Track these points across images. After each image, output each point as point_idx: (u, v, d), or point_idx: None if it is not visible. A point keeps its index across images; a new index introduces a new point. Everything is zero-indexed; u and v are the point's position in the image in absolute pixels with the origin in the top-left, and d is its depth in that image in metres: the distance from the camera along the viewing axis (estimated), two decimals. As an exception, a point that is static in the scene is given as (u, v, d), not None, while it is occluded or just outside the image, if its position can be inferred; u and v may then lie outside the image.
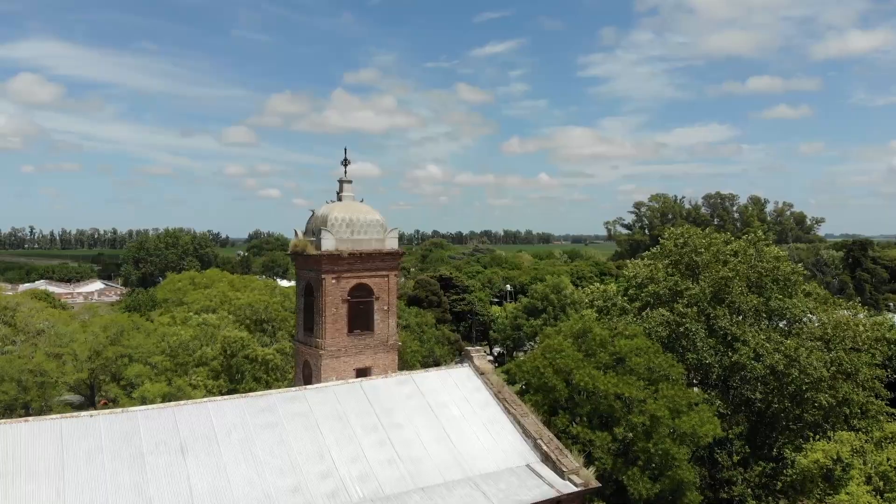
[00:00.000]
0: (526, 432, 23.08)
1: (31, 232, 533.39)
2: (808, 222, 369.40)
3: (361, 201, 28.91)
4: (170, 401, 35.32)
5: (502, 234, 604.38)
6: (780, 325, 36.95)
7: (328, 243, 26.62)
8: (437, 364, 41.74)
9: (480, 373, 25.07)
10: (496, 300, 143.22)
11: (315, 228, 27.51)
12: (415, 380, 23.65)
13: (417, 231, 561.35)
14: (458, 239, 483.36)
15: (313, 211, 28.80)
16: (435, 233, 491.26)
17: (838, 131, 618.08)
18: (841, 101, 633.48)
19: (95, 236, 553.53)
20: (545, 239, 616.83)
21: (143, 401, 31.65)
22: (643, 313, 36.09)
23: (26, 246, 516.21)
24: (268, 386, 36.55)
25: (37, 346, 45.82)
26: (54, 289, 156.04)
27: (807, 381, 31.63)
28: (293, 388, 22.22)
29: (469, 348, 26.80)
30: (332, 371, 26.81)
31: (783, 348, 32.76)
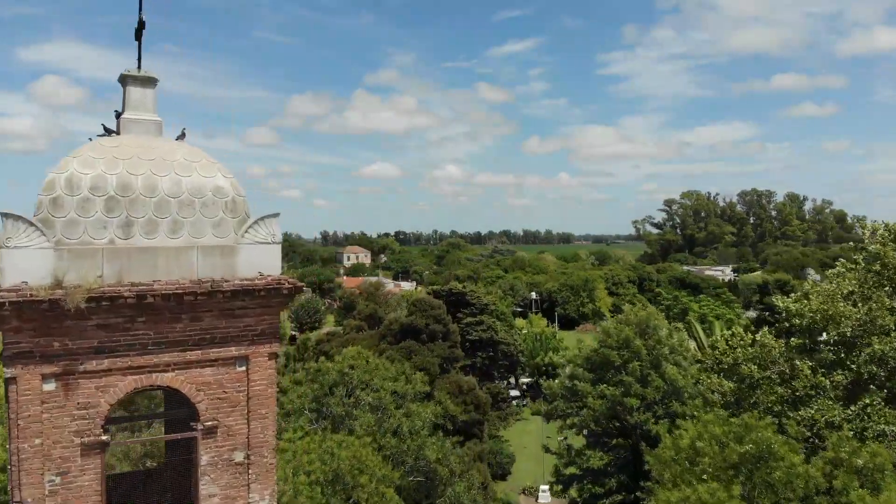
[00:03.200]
0: None
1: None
2: (850, 220, 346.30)
3: (181, 138, 10.22)
4: None
5: (522, 234, 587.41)
6: None
7: (17, 264, 8.03)
8: (428, 483, 22.65)
9: None
10: (520, 309, 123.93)
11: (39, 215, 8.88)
12: None
13: (435, 231, 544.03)
14: (477, 239, 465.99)
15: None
16: (453, 233, 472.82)
17: (865, 129, 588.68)
18: (867, 99, 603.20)
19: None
20: (565, 239, 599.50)
21: None
22: (867, 404, 16.92)
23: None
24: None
25: None
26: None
27: None
28: None
29: None
30: None
31: None
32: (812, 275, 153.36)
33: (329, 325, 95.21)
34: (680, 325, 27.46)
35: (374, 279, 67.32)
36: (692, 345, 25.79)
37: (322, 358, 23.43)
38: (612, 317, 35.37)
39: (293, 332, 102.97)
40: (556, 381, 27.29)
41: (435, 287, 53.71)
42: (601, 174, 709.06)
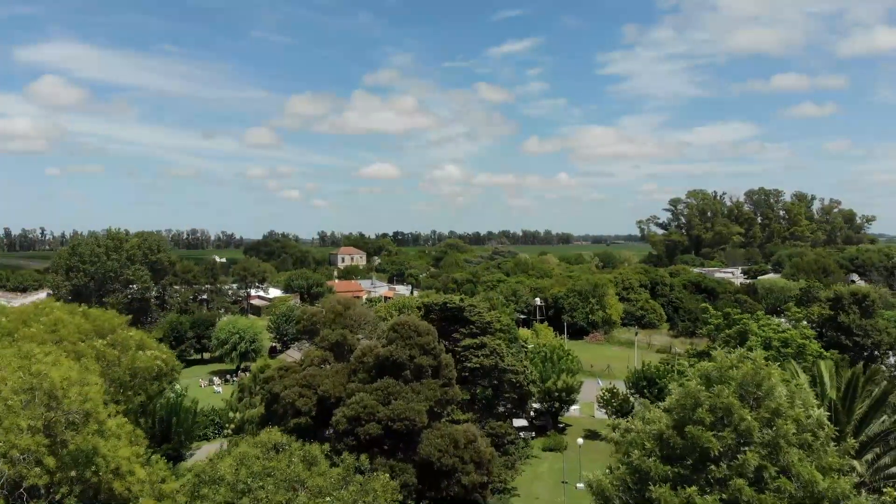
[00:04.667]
0: None
1: (42, 233, 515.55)
2: (858, 220, 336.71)
3: None
4: None
5: (521, 234, 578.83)
6: None
7: None
8: None
9: None
10: (523, 316, 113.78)
11: None
12: None
13: (434, 231, 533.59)
14: (477, 240, 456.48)
15: None
16: (452, 233, 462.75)
17: (865, 129, 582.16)
18: (868, 99, 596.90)
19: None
20: (565, 239, 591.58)
21: None
22: None
23: (37, 248, 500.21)
24: None
25: None
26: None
27: None
28: None
29: None
30: None
31: None
32: (857, 280, 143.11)
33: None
34: (802, 383, 17.39)
35: (343, 297, 57.40)
36: (822, 413, 15.91)
37: (216, 454, 13.68)
38: (683, 362, 25.15)
39: (273, 344, 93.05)
40: (607, 479, 17.08)
41: (427, 300, 43.86)
42: (601, 174, 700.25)
